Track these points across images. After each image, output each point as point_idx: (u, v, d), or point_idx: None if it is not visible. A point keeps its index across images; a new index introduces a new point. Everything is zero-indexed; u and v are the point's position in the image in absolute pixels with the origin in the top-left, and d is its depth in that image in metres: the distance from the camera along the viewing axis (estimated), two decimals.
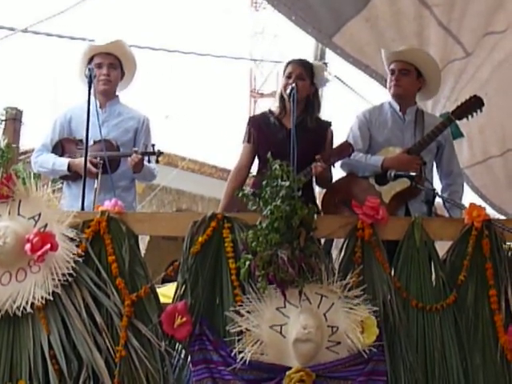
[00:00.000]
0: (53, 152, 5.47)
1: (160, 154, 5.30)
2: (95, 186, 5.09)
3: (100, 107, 5.39)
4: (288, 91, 5.03)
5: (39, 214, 4.18)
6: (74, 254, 4.08)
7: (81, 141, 5.33)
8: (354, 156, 5.21)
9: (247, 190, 4.52)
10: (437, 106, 6.62)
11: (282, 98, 5.25)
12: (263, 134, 5.27)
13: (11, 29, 9.38)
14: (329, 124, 5.37)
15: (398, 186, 5.05)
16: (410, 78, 5.41)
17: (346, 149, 4.93)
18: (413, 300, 4.11)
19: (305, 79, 5.18)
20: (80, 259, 4.10)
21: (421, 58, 5.47)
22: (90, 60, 5.47)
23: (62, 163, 5.38)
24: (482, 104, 5.21)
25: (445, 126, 5.23)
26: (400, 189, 5.05)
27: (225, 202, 5.19)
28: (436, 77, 5.53)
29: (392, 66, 5.44)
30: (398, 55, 5.43)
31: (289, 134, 4.97)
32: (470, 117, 5.24)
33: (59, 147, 5.48)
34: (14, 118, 10.90)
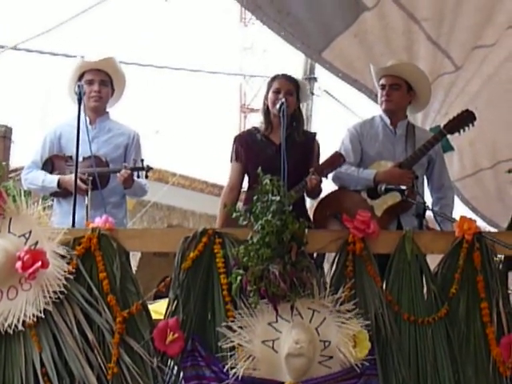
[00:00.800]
0: (43, 169, 5.46)
1: (149, 169, 5.28)
2: (86, 202, 5.08)
3: (90, 123, 5.38)
4: (278, 106, 5.03)
5: (30, 232, 4.17)
6: (65, 272, 4.08)
7: (70, 157, 5.33)
8: (346, 169, 5.22)
9: (239, 205, 4.52)
10: (427, 119, 6.64)
11: (267, 114, 5.27)
12: (251, 151, 5.27)
13: (0, 46, 9.38)
14: (314, 135, 5.42)
15: (390, 199, 5.06)
16: (401, 93, 5.41)
17: (338, 159, 4.95)
18: (404, 313, 4.11)
19: (292, 95, 5.20)
20: (71, 276, 4.09)
21: (411, 71, 5.48)
22: (81, 76, 5.47)
23: (52, 180, 5.37)
24: (474, 118, 5.21)
25: (436, 140, 5.24)
26: (392, 203, 5.06)
27: (221, 222, 5.16)
28: (426, 89, 5.55)
29: (382, 81, 5.44)
30: (388, 70, 5.43)
31: (278, 149, 5.00)
32: (461, 131, 5.24)
33: (49, 164, 5.48)
34: (4, 136, 10.89)
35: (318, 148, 5.32)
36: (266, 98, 5.29)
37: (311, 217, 5.22)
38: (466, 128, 5.22)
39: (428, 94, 5.58)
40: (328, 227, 4.97)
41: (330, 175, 5.18)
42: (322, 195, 5.30)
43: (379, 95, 5.48)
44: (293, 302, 3.93)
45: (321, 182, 4.98)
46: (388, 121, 5.45)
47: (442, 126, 5.35)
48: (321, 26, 6.14)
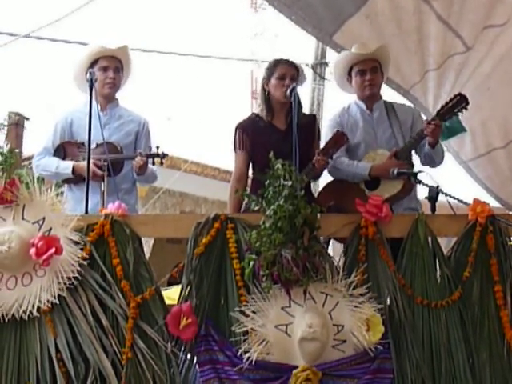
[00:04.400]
0: (55, 155, 5.47)
1: (164, 156, 5.29)
2: (102, 188, 5.10)
3: (101, 110, 5.38)
4: (288, 92, 5.00)
5: (43, 218, 4.18)
6: (78, 258, 4.09)
7: (83, 144, 5.34)
8: (342, 163, 5.21)
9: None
10: (438, 101, 6.60)
11: (267, 100, 5.27)
12: (257, 138, 5.25)
13: (14, 34, 9.40)
14: (314, 117, 5.49)
15: (386, 192, 5.02)
16: (379, 75, 5.46)
17: (341, 138, 4.94)
18: (418, 297, 4.11)
19: (296, 80, 5.19)
20: (85, 262, 4.10)
21: (386, 54, 5.52)
22: (93, 62, 5.46)
23: (66, 166, 5.38)
24: (467, 102, 5.08)
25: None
26: (389, 195, 5.01)
27: (231, 212, 5.14)
28: (388, 66, 5.60)
29: (360, 67, 5.39)
30: (371, 55, 5.40)
31: (283, 134, 5.03)
32: (454, 117, 5.14)
33: (61, 150, 5.48)
34: (17, 124, 10.89)
35: (319, 129, 5.36)
36: (266, 84, 5.27)
37: None
38: (460, 113, 5.11)
39: (387, 70, 5.64)
40: None
41: (328, 167, 5.18)
42: (321, 185, 5.30)
43: (357, 81, 5.42)
44: (305, 286, 3.93)
45: (327, 163, 4.97)
46: (364, 106, 5.46)
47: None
48: (331, 8, 6.11)
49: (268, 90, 5.25)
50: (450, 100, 5.11)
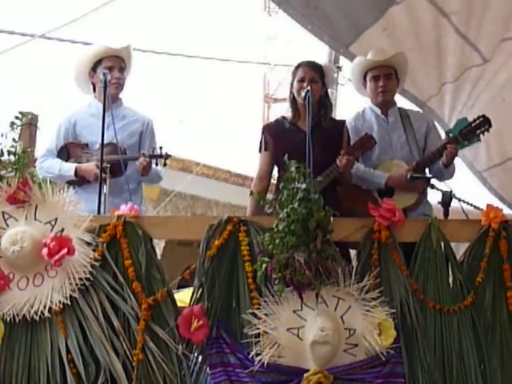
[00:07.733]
0: (58, 157, 5.46)
1: (168, 156, 5.27)
2: (105, 191, 5.08)
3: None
4: (303, 95, 5.02)
5: (56, 219, 4.19)
6: (90, 259, 4.09)
7: (86, 145, 5.37)
8: (357, 170, 5.20)
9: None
10: (454, 112, 6.61)
11: (293, 102, 5.27)
12: (280, 139, 5.26)
13: (29, 35, 9.43)
14: (343, 122, 5.41)
15: (401, 203, 4.90)
16: (394, 81, 5.45)
17: (368, 141, 4.96)
18: (430, 302, 4.10)
19: (317, 82, 5.19)
20: (97, 263, 4.11)
21: (402, 61, 5.51)
22: (96, 62, 5.45)
23: (69, 168, 5.37)
24: (490, 125, 5.15)
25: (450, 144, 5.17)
26: (403, 206, 4.92)
27: (250, 212, 5.15)
28: (405, 74, 5.60)
29: (374, 73, 5.40)
30: (386, 61, 5.39)
31: (306, 136, 5.00)
32: (476, 138, 5.16)
33: (65, 152, 5.47)
34: (30, 123, 10.86)
35: (348, 136, 5.29)
36: (291, 86, 5.29)
37: None
38: (481, 135, 5.15)
39: (405, 77, 5.63)
40: None
41: None
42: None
43: (371, 86, 5.43)
44: (318, 290, 3.92)
45: (352, 163, 4.96)
46: (379, 111, 5.46)
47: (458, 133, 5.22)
48: (349, 19, 6.13)
49: (293, 93, 5.26)
50: (474, 121, 5.14)
